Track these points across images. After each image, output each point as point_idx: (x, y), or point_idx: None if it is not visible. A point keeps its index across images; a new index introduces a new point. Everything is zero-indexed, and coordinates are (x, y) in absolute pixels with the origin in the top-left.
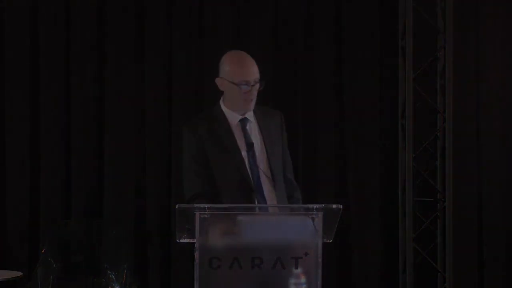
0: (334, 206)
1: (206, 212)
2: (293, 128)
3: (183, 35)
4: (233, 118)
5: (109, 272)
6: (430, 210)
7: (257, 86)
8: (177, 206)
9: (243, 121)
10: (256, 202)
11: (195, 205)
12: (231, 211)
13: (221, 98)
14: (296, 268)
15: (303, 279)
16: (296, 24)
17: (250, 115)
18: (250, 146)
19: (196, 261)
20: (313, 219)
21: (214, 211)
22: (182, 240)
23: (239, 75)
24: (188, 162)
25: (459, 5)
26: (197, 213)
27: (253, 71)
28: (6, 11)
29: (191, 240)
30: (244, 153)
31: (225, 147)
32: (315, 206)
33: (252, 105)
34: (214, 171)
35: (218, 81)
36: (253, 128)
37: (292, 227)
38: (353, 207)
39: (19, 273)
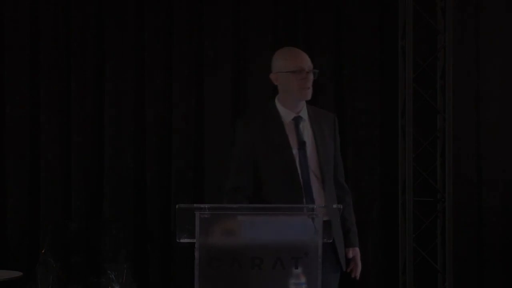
0: (334, 206)
1: (206, 212)
2: None
3: (183, 35)
4: (287, 115)
5: (109, 272)
6: (430, 210)
7: (312, 75)
8: (177, 206)
9: (297, 119)
10: (304, 201)
11: (195, 205)
12: (231, 211)
13: (277, 96)
14: (296, 268)
15: (303, 279)
16: (296, 24)
17: (304, 114)
18: (302, 144)
19: (196, 261)
20: (313, 219)
21: (214, 211)
22: (182, 240)
23: (293, 63)
24: (236, 155)
25: (459, 5)
26: (197, 213)
27: (306, 59)
28: (5, 15)
29: (191, 240)
30: (295, 151)
31: (276, 143)
32: (315, 206)
33: (309, 94)
34: (262, 166)
35: (272, 76)
36: (306, 127)
37: (292, 227)
38: (353, 207)
39: (19, 273)
